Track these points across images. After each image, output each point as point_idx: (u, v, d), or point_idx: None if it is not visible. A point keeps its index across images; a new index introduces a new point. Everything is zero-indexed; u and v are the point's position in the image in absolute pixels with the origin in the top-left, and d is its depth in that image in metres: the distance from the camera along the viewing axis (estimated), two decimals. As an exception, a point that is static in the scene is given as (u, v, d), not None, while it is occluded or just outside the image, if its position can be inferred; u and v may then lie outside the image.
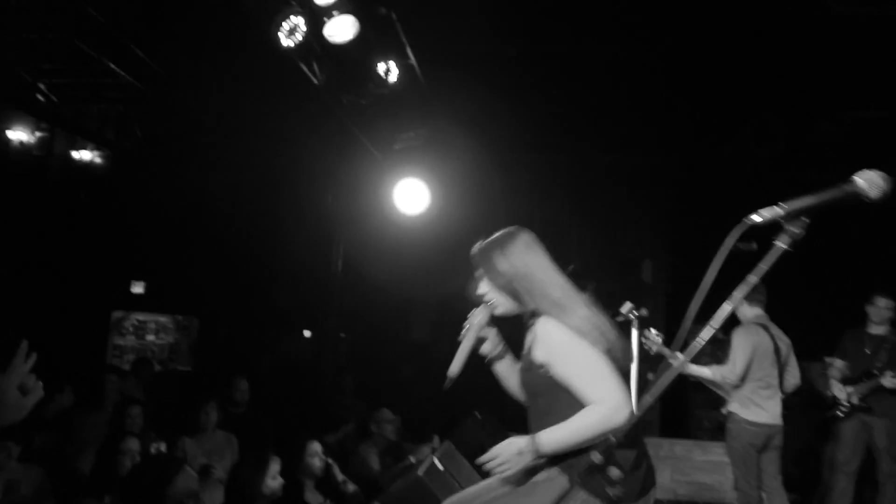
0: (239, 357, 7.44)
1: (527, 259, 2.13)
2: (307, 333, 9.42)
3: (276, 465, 3.32)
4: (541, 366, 2.02)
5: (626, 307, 3.38)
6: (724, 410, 4.56)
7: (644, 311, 3.45)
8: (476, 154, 6.61)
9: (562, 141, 7.13)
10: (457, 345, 2.19)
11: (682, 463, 5.65)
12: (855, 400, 4.58)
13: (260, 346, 8.10)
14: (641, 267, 6.90)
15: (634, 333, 3.59)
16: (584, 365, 1.94)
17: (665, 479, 5.83)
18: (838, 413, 4.67)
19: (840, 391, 4.67)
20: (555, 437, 1.92)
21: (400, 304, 7.82)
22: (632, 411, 1.87)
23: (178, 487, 2.33)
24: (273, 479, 3.25)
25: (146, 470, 2.45)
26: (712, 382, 4.40)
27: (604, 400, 1.88)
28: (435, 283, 8.46)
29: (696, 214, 6.39)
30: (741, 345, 4.21)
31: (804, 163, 5.79)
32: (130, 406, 4.16)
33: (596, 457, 1.61)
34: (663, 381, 1.41)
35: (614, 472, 1.72)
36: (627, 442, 1.98)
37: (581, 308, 2.06)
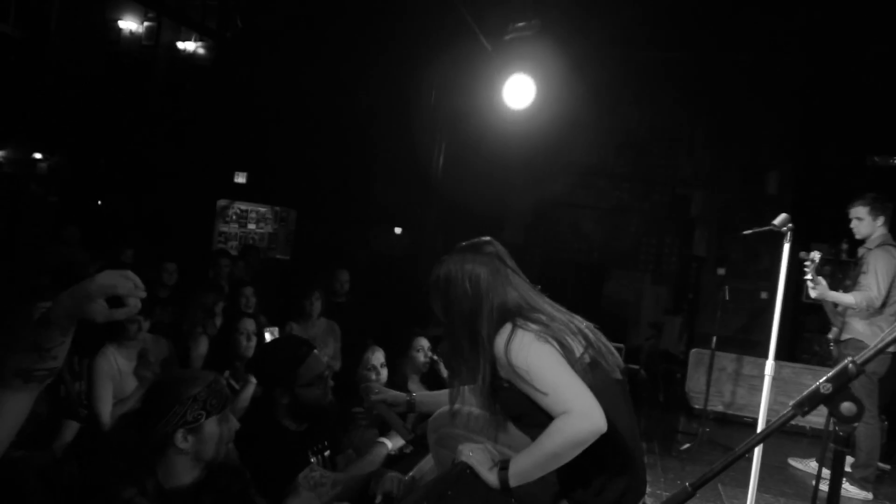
0: (335, 250, 7.62)
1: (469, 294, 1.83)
2: (398, 230, 9.55)
3: (380, 356, 3.38)
4: (507, 382, 1.79)
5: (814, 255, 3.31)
6: (836, 336, 4.26)
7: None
8: (586, 49, 6.15)
9: (678, 36, 6.48)
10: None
11: (788, 386, 5.41)
12: None
13: (356, 240, 8.26)
14: (766, 177, 6.35)
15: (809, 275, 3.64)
16: (541, 375, 1.67)
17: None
18: None
19: None
20: (522, 468, 1.67)
21: (495, 206, 7.69)
22: (602, 419, 1.60)
23: (310, 368, 2.36)
24: (381, 369, 3.32)
25: (281, 348, 2.47)
26: (841, 308, 4.07)
27: (569, 409, 1.62)
28: (531, 186, 8.28)
29: (832, 122, 5.76)
30: (882, 267, 3.86)
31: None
32: (245, 287, 4.32)
33: None
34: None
35: None
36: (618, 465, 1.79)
37: (545, 311, 1.83)
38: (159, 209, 9.39)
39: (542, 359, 1.69)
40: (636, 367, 6.43)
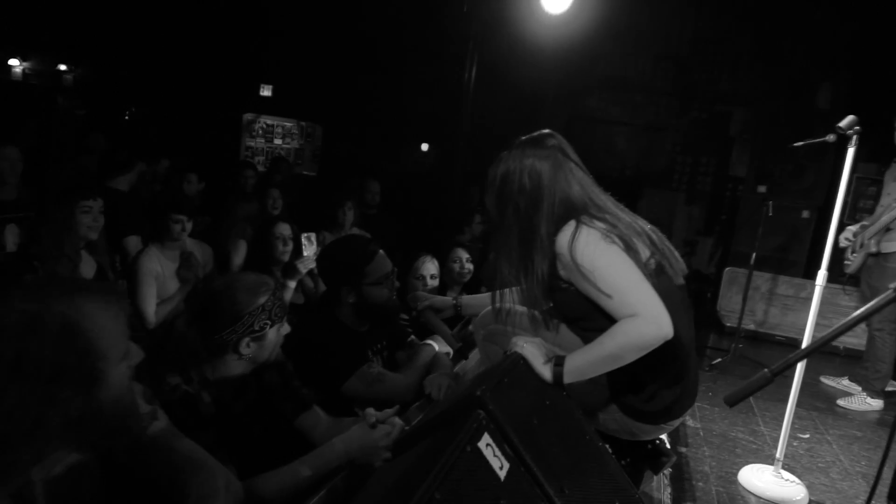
0: (362, 166, 7.53)
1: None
2: (425, 146, 9.40)
3: (431, 267, 3.36)
4: (566, 283, 1.71)
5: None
6: (874, 250, 4.18)
7: None
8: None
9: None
10: None
11: (823, 307, 5.35)
12: None
13: (384, 156, 8.15)
14: (818, 90, 6.02)
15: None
16: (607, 276, 1.59)
17: (802, 322, 5.60)
18: None
19: None
20: (578, 365, 1.62)
21: (529, 118, 7.48)
22: (669, 325, 1.53)
23: (377, 266, 2.34)
24: (429, 280, 3.31)
25: (349, 246, 2.44)
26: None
27: (637, 312, 1.55)
28: (564, 101, 8.02)
29: (892, 29, 5.39)
30: None
31: None
32: (271, 189, 4.31)
33: None
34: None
35: None
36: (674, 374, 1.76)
37: (610, 210, 1.72)
38: (186, 122, 9.32)
39: (609, 259, 1.62)
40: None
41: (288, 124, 9.98)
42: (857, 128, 2.37)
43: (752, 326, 5.68)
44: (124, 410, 1.07)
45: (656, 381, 1.76)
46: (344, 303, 2.34)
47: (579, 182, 1.76)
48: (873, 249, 4.15)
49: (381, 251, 2.38)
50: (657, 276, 1.68)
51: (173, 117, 9.69)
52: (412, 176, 8.20)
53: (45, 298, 0.95)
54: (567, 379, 1.63)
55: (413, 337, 2.61)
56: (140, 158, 4.09)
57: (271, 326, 1.75)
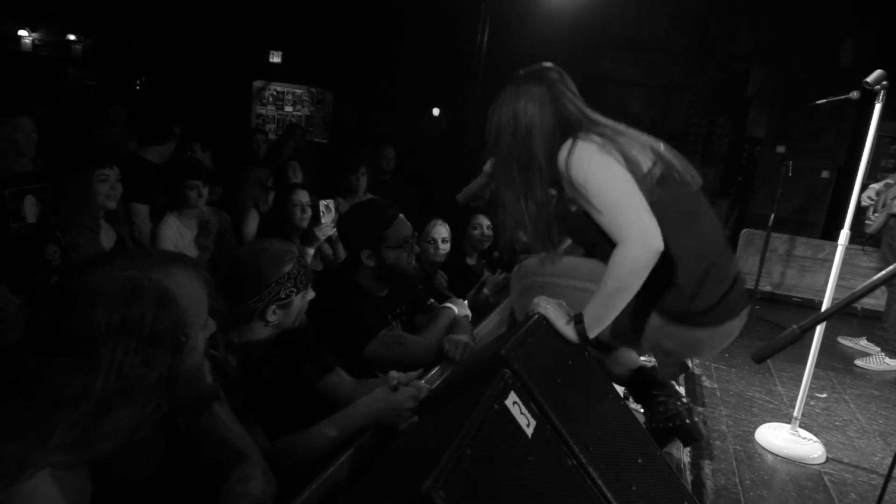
0: (373, 132, 7.48)
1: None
2: (436, 112, 9.30)
3: (442, 230, 3.36)
4: (574, 205, 1.70)
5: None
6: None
7: None
8: None
9: None
10: None
11: (844, 268, 5.31)
12: None
13: (396, 121, 8.07)
14: (840, 48, 5.86)
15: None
16: (599, 191, 1.59)
17: (819, 283, 5.57)
18: None
19: None
20: (595, 314, 1.61)
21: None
22: (657, 238, 1.53)
23: (397, 230, 2.35)
24: (441, 244, 3.32)
25: (369, 210, 2.44)
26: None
27: (623, 235, 1.55)
28: (578, 62, 7.87)
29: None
30: None
31: None
32: (290, 160, 4.29)
33: None
34: None
35: None
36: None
37: (609, 125, 1.71)
38: (196, 90, 9.26)
39: (601, 172, 1.61)
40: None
41: (298, 91, 9.90)
42: (885, 83, 2.32)
43: (768, 288, 5.66)
44: (197, 379, 1.15)
45: (689, 281, 1.71)
46: (364, 267, 2.35)
47: (573, 103, 1.75)
48: (894, 210, 4.11)
49: (400, 215, 2.39)
50: (661, 186, 1.65)
51: (183, 87, 9.63)
52: (424, 141, 8.13)
53: (144, 268, 1.02)
54: (591, 333, 1.63)
55: (433, 300, 2.63)
56: (174, 132, 4.00)
57: (297, 294, 1.77)
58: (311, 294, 1.86)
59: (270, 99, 9.80)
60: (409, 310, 2.54)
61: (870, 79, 2.32)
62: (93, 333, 0.92)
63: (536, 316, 1.63)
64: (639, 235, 1.54)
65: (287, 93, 9.86)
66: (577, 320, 1.64)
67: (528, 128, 1.73)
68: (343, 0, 8.07)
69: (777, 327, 4.67)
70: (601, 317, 1.62)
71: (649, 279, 1.58)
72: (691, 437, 1.85)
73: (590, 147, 1.63)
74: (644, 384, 1.98)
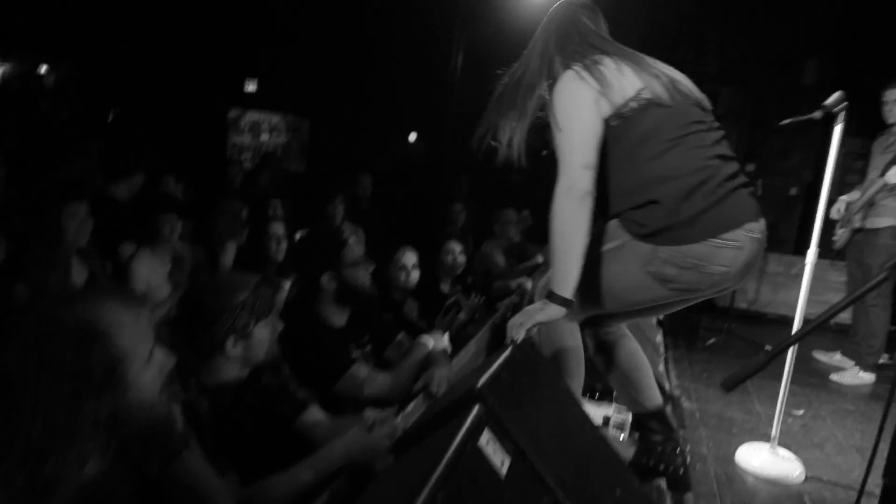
0: (350, 159, 7.49)
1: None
2: (412, 137, 9.35)
3: (412, 256, 3.37)
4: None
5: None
6: (858, 225, 4.21)
7: None
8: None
9: None
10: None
11: (815, 283, 5.39)
12: None
13: (372, 147, 8.10)
14: (804, 67, 6.02)
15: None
16: (560, 118, 1.63)
17: (793, 298, 5.64)
18: None
19: None
20: (560, 277, 1.62)
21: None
22: (585, 180, 1.58)
23: (352, 249, 2.39)
24: (411, 270, 3.32)
25: (320, 236, 2.48)
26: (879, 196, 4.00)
27: (561, 169, 1.62)
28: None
29: (877, 5, 5.39)
30: None
31: None
32: (271, 199, 4.27)
33: None
34: None
35: None
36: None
37: (605, 50, 1.78)
38: (171, 120, 9.22)
39: (566, 100, 1.65)
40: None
41: (274, 119, 9.89)
42: (844, 104, 2.38)
43: (743, 305, 5.72)
44: (158, 421, 1.09)
45: (670, 199, 1.65)
46: (324, 292, 2.36)
47: (582, 35, 1.83)
48: (857, 225, 4.18)
49: (352, 237, 2.46)
50: (647, 109, 1.67)
51: (158, 117, 9.58)
52: (401, 166, 8.16)
53: (66, 304, 0.98)
54: (568, 294, 1.62)
55: (403, 334, 2.62)
56: (142, 165, 3.97)
57: (256, 324, 1.74)
58: (278, 325, 1.84)
59: (246, 128, 9.79)
60: (375, 339, 2.53)
61: (828, 102, 2.38)
62: (8, 376, 0.89)
63: (511, 346, 1.63)
64: (567, 179, 1.59)
65: (263, 121, 9.85)
66: (549, 296, 1.64)
67: (535, 55, 1.86)
68: (318, 27, 8.13)
69: (754, 345, 4.71)
70: (566, 275, 1.62)
71: (629, 206, 1.66)
72: (679, 486, 1.84)
73: (569, 73, 1.69)
74: (650, 415, 1.98)
